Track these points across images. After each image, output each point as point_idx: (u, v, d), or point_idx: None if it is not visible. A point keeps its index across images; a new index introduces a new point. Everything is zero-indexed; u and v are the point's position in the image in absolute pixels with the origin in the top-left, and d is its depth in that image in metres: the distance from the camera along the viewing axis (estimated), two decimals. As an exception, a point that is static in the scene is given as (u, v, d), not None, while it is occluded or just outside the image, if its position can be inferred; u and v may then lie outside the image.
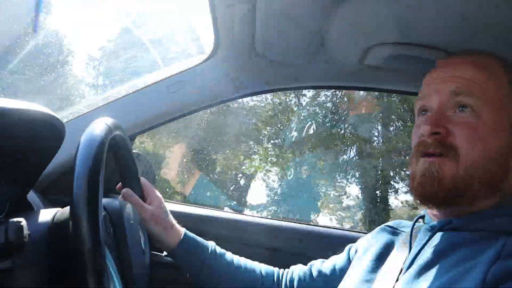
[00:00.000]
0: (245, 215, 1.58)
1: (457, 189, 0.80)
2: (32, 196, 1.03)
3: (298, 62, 1.30)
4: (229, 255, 1.17)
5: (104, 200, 0.90)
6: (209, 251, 1.13)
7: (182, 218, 1.22)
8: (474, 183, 0.80)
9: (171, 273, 1.28)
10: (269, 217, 1.55)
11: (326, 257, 1.19)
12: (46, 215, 0.74)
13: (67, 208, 0.70)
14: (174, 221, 1.14)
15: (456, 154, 0.80)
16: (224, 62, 1.31)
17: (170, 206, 1.49)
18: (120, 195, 1.06)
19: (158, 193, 1.16)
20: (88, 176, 0.65)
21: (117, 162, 1.04)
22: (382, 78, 1.38)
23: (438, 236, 0.83)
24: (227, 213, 1.54)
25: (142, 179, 1.15)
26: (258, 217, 1.55)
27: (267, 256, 1.42)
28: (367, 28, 1.11)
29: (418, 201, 0.86)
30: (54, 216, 0.74)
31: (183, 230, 1.14)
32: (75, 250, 0.60)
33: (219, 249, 1.17)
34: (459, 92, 0.82)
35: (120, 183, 1.10)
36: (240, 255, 1.22)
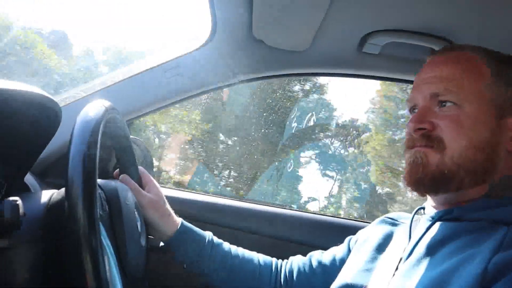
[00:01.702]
0: (246, 202, 1.57)
1: (442, 175, 0.83)
2: (29, 179, 1.04)
3: (296, 48, 1.30)
4: (226, 245, 1.17)
5: (101, 181, 0.90)
6: (206, 241, 1.14)
7: (182, 204, 1.22)
8: (460, 171, 0.82)
9: (168, 258, 1.29)
10: (271, 204, 1.53)
11: (328, 246, 1.20)
12: (43, 196, 0.75)
13: (64, 190, 0.71)
14: (172, 211, 1.14)
15: (441, 145, 0.83)
16: (222, 47, 1.30)
17: (169, 192, 1.49)
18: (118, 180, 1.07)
19: (156, 182, 1.16)
20: (83, 156, 0.65)
21: (114, 147, 1.04)
22: (380, 66, 1.38)
23: (437, 225, 0.85)
24: (228, 200, 1.54)
25: (140, 168, 1.15)
26: (260, 204, 1.55)
27: (268, 244, 1.44)
28: (365, 15, 1.11)
29: (410, 188, 0.89)
30: (50, 198, 0.74)
31: (180, 220, 1.14)
32: (71, 230, 0.60)
33: (216, 239, 1.17)
34: (437, 93, 0.86)
35: (118, 169, 1.10)
36: (241, 243, 1.22)
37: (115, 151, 1.06)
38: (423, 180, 0.84)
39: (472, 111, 0.83)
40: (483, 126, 0.83)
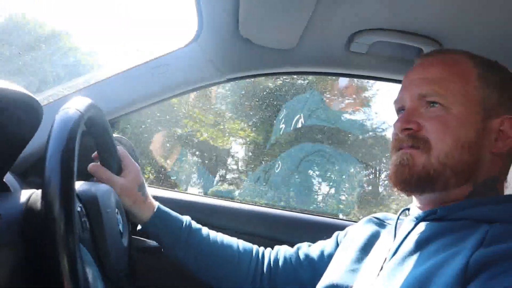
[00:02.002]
0: (235, 202, 1.56)
1: (428, 176, 0.84)
2: (9, 178, 1.01)
3: (283, 47, 1.29)
4: (205, 231, 1.16)
5: (80, 189, 0.87)
6: (183, 225, 1.13)
7: (171, 204, 1.21)
8: (446, 171, 0.84)
9: (156, 258, 1.28)
10: (260, 204, 1.54)
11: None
12: (21, 196, 0.73)
13: None
14: (149, 195, 1.13)
15: (427, 146, 0.85)
16: (208, 45, 1.29)
17: (158, 192, 1.47)
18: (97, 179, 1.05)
19: (136, 165, 1.14)
20: (60, 156, 0.63)
21: (93, 137, 1.01)
22: (368, 65, 1.38)
23: (422, 225, 0.86)
24: (218, 200, 1.53)
25: (121, 149, 1.12)
26: (248, 204, 1.54)
27: (256, 244, 1.43)
28: (352, 14, 1.11)
29: (395, 188, 0.90)
30: (29, 198, 0.72)
31: (156, 204, 1.13)
32: (48, 231, 0.59)
33: (194, 224, 1.16)
34: (426, 94, 0.87)
35: (96, 152, 1.07)
36: None
37: (94, 140, 1.03)
38: (410, 181, 0.86)
39: (459, 113, 0.85)
40: (469, 127, 0.85)
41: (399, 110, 0.95)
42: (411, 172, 0.85)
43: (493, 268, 0.66)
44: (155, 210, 1.12)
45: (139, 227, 1.14)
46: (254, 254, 1.18)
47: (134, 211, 1.09)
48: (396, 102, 0.95)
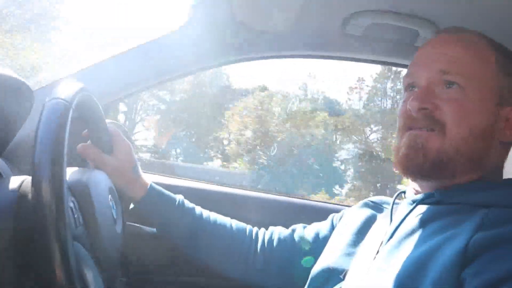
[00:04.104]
0: (230, 187, 1.56)
1: (441, 162, 0.82)
2: (1, 164, 1.00)
3: (278, 30, 1.28)
4: (198, 210, 1.15)
5: (71, 179, 0.85)
6: (176, 204, 1.12)
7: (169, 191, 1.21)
8: (458, 157, 0.82)
9: (150, 244, 1.28)
10: (255, 190, 1.54)
11: None
12: (12, 182, 0.72)
13: None
14: (141, 174, 1.12)
15: (443, 129, 0.82)
16: (203, 28, 1.27)
17: (157, 178, 1.46)
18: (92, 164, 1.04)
19: (128, 143, 1.11)
20: (50, 140, 0.63)
21: (82, 117, 0.99)
22: (364, 48, 1.36)
23: (419, 208, 0.85)
24: (212, 186, 1.53)
25: (112, 127, 1.09)
26: (243, 189, 1.54)
27: None
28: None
29: (402, 174, 0.87)
30: (21, 184, 0.71)
31: (149, 183, 1.12)
32: (38, 218, 0.58)
33: (187, 203, 1.15)
34: (447, 71, 0.83)
35: (87, 130, 1.04)
36: None
37: (84, 120, 1.01)
38: (422, 167, 0.83)
39: (476, 97, 0.82)
40: (484, 113, 0.83)
41: (409, 86, 0.90)
42: (425, 157, 0.82)
43: (492, 251, 0.67)
44: (147, 189, 1.10)
45: (131, 205, 1.14)
46: (248, 233, 1.17)
47: (125, 191, 1.08)
48: (407, 76, 0.90)
